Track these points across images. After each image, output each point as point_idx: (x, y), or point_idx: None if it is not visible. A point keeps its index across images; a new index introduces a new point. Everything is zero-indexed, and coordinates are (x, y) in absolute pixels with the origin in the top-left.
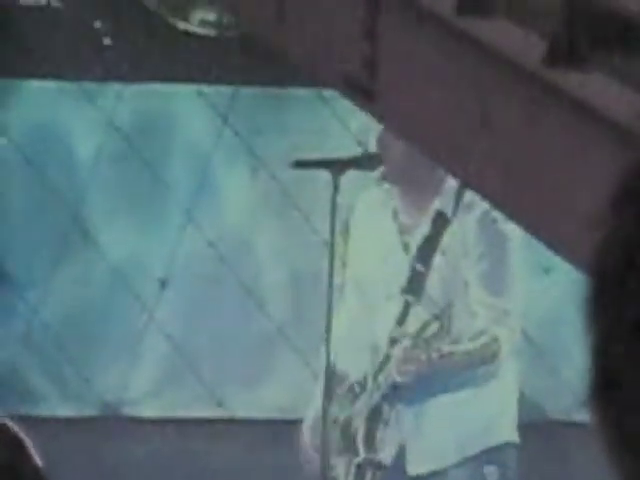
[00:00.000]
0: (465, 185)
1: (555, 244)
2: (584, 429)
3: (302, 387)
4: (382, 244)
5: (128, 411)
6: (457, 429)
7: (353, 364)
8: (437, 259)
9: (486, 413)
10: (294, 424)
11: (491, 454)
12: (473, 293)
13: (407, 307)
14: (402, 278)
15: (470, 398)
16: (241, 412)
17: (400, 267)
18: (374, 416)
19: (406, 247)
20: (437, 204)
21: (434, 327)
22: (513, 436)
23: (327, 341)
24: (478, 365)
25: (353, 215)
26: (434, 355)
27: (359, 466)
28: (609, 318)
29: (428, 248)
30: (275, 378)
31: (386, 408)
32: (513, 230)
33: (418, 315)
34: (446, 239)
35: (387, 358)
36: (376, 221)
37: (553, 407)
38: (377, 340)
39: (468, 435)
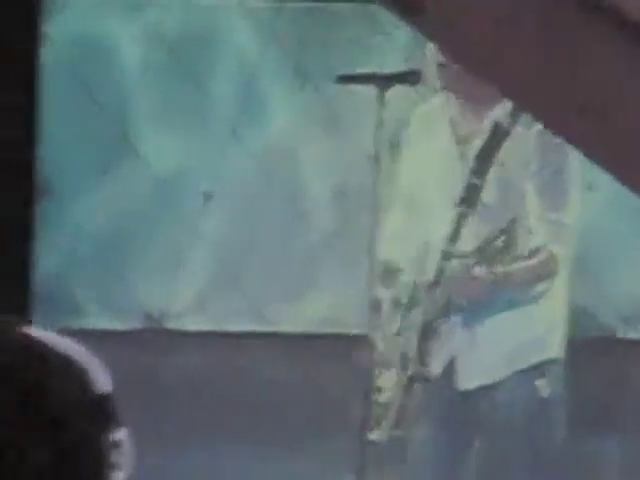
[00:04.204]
0: (516, 107)
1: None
2: (626, 345)
3: (347, 302)
4: (438, 155)
5: (172, 324)
6: (508, 343)
7: (402, 277)
8: (495, 171)
9: (537, 328)
10: (338, 338)
11: (541, 368)
12: (531, 207)
13: (462, 219)
14: (458, 189)
15: (522, 313)
16: (285, 326)
17: (456, 178)
18: (427, 331)
19: (463, 157)
20: (495, 114)
21: (498, 244)
22: (560, 353)
23: (372, 255)
24: (536, 283)
25: (406, 128)
26: (496, 274)
27: (409, 379)
28: None
29: (484, 159)
30: (319, 292)
31: (439, 323)
32: None
33: (472, 227)
34: (504, 150)
35: (440, 272)
36: (432, 132)
37: (596, 324)
38: (429, 252)
39: (519, 349)
